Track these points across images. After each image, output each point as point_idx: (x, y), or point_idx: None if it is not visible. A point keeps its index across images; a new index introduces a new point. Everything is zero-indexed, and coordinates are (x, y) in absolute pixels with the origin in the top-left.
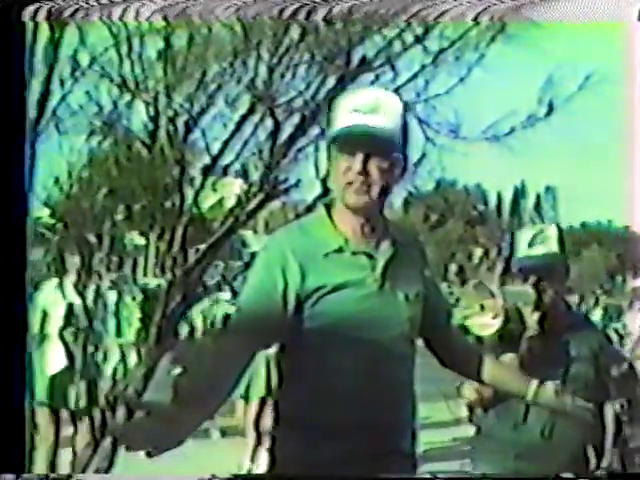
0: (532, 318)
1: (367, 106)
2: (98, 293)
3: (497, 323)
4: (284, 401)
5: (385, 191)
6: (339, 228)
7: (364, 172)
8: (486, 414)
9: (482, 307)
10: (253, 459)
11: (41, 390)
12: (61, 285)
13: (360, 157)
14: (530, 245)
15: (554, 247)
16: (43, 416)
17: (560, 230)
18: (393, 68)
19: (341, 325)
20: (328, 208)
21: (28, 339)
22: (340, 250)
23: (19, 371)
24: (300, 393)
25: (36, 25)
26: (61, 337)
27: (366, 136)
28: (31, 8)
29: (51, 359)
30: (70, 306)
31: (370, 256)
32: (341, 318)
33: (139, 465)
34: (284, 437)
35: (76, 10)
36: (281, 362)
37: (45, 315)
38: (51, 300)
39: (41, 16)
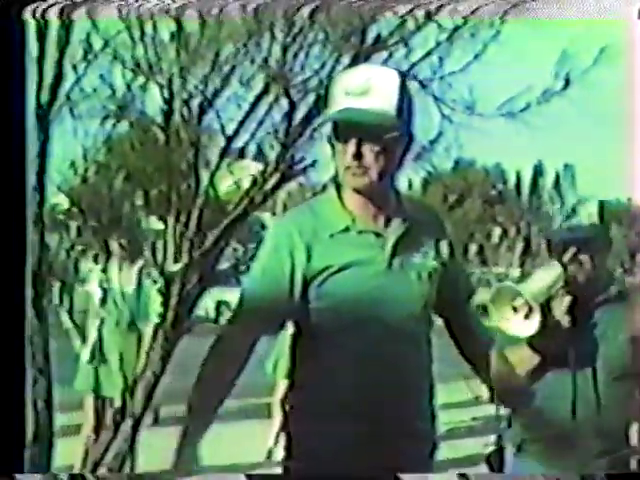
0: (561, 309)
1: (357, 88)
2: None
3: (535, 322)
4: (297, 382)
5: (388, 170)
6: (347, 208)
7: (358, 157)
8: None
9: (514, 309)
10: (277, 441)
11: (82, 378)
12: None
13: (353, 142)
14: (568, 217)
15: (595, 218)
16: (87, 404)
17: (602, 203)
18: (407, 45)
19: (348, 305)
20: (338, 188)
21: (26, 336)
22: (347, 229)
23: (19, 371)
24: (311, 374)
25: (45, 10)
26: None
27: (356, 121)
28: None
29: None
30: (105, 292)
31: (378, 235)
32: (348, 298)
33: (160, 447)
34: (298, 419)
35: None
36: (295, 343)
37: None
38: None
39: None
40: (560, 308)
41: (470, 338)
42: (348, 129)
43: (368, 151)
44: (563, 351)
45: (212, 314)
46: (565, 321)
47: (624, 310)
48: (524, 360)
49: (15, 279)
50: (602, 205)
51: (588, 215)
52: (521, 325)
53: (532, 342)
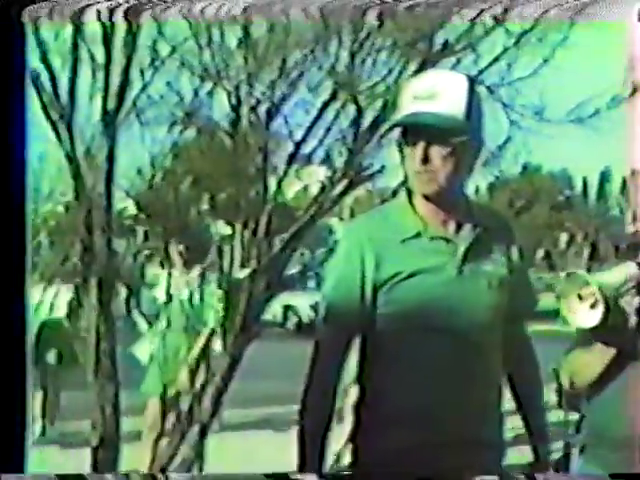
0: (632, 305)
1: (425, 92)
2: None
3: (598, 313)
4: (365, 388)
5: (456, 175)
6: (419, 214)
7: (426, 161)
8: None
9: (580, 297)
10: (345, 445)
11: (152, 380)
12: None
13: (421, 146)
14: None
15: None
16: (153, 407)
17: None
18: (475, 51)
19: (416, 312)
20: (410, 194)
21: (28, 338)
22: (418, 235)
23: (19, 370)
24: (377, 381)
25: (112, 12)
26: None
27: (424, 125)
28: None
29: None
30: (170, 296)
31: (449, 241)
32: (417, 305)
33: (227, 452)
34: (365, 424)
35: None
36: (364, 349)
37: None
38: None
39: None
40: (630, 306)
41: (513, 353)
42: (416, 133)
43: (436, 155)
44: (630, 350)
45: (279, 318)
46: (633, 320)
47: None
48: (597, 358)
49: (14, 283)
50: None
51: None
52: (585, 315)
53: (601, 336)
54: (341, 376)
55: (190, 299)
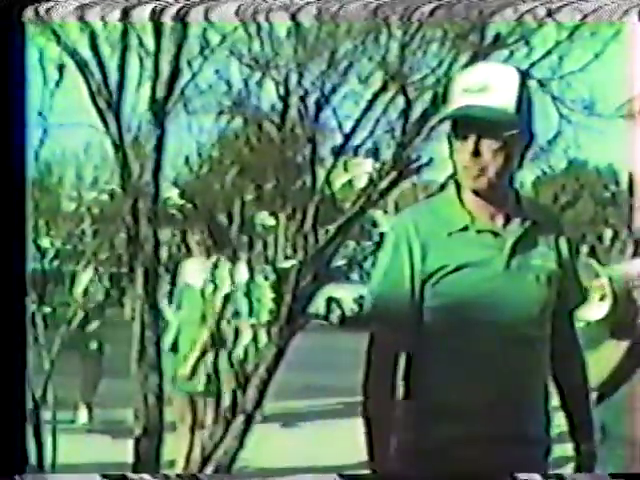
0: None
1: (476, 86)
2: (230, 274)
3: (606, 306)
4: (410, 383)
5: (506, 169)
6: (467, 207)
7: (477, 155)
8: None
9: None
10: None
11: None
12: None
13: (472, 140)
14: None
15: None
16: (183, 403)
17: None
18: (527, 44)
19: (463, 305)
20: (458, 187)
21: (29, 338)
22: (465, 229)
23: (19, 371)
24: (423, 374)
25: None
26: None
27: (475, 118)
28: None
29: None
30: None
31: (497, 235)
32: (463, 298)
33: (270, 443)
34: (412, 418)
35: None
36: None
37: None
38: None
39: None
40: None
41: (559, 349)
42: (467, 126)
43: (486, 148)
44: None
45: (322, 311)
46: None
47: None
48: (609, 354)
49: (15, 278)
50: None
51: None
52: (592, 307)
53: (611, 331)
54: (398, 367)
55: (233, 290)
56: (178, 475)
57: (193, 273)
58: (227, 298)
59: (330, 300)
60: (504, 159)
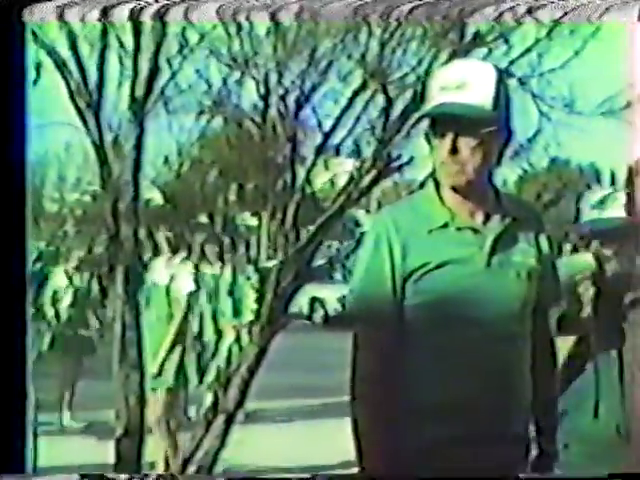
0: (587, 296)
1: (453, 83)
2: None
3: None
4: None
5: (485, 166)
6: (446, 204)
7: (455, 152)
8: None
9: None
10: None
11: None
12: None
13: (449, 137)
14: (598, 208)
15: (622, 212)
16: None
17: (630, 196)
18: (507, 42)
19: (444, 303)
20: (437, 185)
21: (28, 340)
22: (445, 226)
23: (19, 372)
24: (406, 373)
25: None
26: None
27: (452, 116)
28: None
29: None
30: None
31: (477, 232)
32: (445, 295)
33: (251, 443)
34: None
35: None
36: None
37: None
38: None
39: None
40: (585, 296)
41: (542, 346)
42: (444, 124)
43: (464, 145)
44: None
45: (306, 310)
46: (587, 309)
47: None
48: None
49: (13, 278)
50: (630, 196)
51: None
52: None
53: (559, 324)
54: (385, 365)
55: (214, 290)
56: (159, 475)
57: (159, 271)
58: (192, 296)
59: (313, 300)
60: (482, 156)
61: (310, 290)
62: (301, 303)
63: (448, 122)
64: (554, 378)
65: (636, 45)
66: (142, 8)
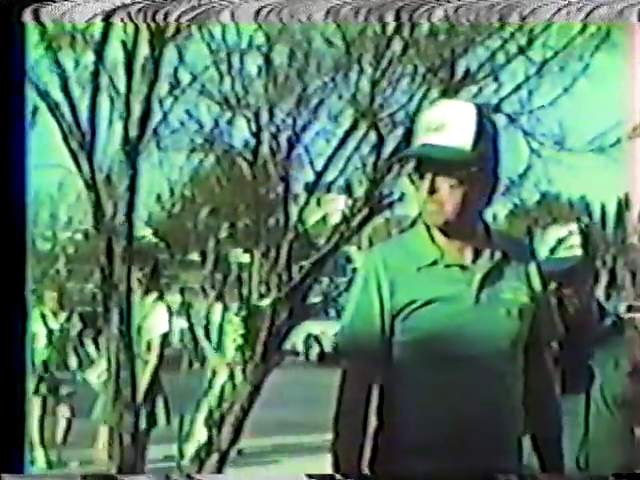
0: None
1: (434, 124)
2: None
3: None
4: (383, 417)
5: (467, 204)
6: (436, 242)
7: (433, 192)
8: None
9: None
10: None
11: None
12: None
13: (427, 178)
14: (553, 247)
15: (577, 248)
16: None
17: (585, 232)
18: (496, 79)
19: (433, 340)
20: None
21: (27, 340)
22: (434, 263)
23: (19, 374)
24: (395, 409)
25: (135, 42)
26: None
27: (431, 156)
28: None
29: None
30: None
31: (466, 269)
32: (433, 333)
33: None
34: (384, 453)
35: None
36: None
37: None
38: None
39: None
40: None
41: (531, 384)
42: (425, 165)
43: (442, 186)
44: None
45: (301, 348)
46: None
47: (620, 342)
48: None
49: (16, 288)
50: (585, 232)
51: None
52: None
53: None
54: (369, 403)
55: (204, 328)
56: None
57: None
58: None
59: (308, 337)
60: (461, 196)
61: (305, 327)
62: (296, 340)
63: (427, 163)
64: (555, 415)
65: (636, 45)
66: (134, 47)
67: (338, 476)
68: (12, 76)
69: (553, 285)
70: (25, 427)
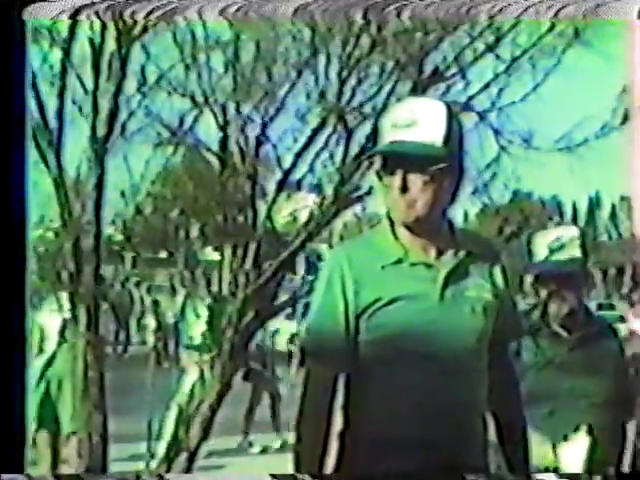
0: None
1: (403, 121)
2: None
3: None
4: (349, 415)
5: (437, 202)
6: (400, 240)
7: (405, 190)
8: None
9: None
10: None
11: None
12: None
13: (399, 175)
14: (551, 249)
15: (577, 252)
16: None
17: (582, 233)
18: (464, 77)
19: (398, 338)
20: (392, 221)
21: (27, 346)
22: (399, 262)
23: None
24: (361, 408)
25: (102, 39)
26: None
27: (402, 154)
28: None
29: None
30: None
31: (430, 267)
32: (398, 331)
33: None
34: (350, 452)
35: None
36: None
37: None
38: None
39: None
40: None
41: (496, 379)
42: (395, 162)
43: (414, 183)
44: None
45: (269, 345)
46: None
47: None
48: None
49: (15, 291)
50: (583, 233)
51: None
52: None
53: None
54: (333, 404)
55: (173, 325)
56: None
57: None
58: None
59: (275, 334)
60: (433, 193)
61: (273, 324)
62: (264, 338)
63: (398, 160)
64: (519, 410)
65: (636, 45)
66: (101, 46)
67: (300, 476)
68: (12, 75)
69: (552, 287)
70: (25, 427)
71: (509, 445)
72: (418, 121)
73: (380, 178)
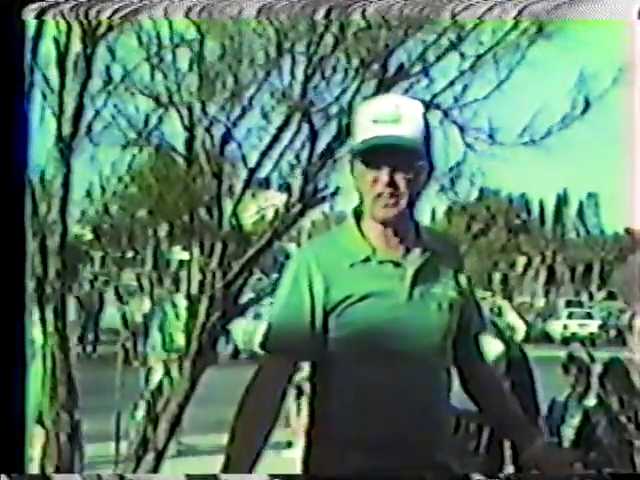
0: None
1: (389, 116)
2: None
3: None
4: (316, 412)
5: (412, 199)
6: (367, 238)
7: (391, 185)
8: None
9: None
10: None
11: None
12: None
13: (386, 170)
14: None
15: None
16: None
17: (627, 231)
18: (427, 75)
19: (368, 335)
20: (358, 218)
21: (27, 346)
22: (367, 260)
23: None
24: (329, 405)
25: (68, 38)
26: None
27: (391, 149)
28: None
29: None
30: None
31: (398, 265)
32: (368, 328)
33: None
34: (317, 449)
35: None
36: (314, 373)
37: None
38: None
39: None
40: None
41: (473, 373)
42: (381, 157)
43: (401, 179)
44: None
45: (238, 344)
46: None
47: None
48: None
49: (16, 291)
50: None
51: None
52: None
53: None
54: (281, 404)
55: (142, 324)
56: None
57: None
58: None
59: (243, 334)
60: (414, 190)
61: (240, 324)
62: (231, 337)
63: (384, 155)
64: (501, 396)
65: (636, 45)
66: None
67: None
68: (12, 74)
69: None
70: (25, 427)
71: (515, 432)
72: (402, 116)
73: (353, 173)
